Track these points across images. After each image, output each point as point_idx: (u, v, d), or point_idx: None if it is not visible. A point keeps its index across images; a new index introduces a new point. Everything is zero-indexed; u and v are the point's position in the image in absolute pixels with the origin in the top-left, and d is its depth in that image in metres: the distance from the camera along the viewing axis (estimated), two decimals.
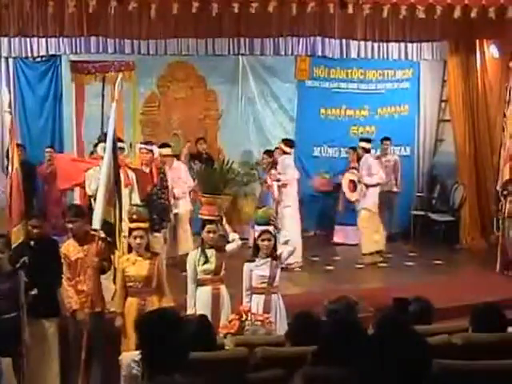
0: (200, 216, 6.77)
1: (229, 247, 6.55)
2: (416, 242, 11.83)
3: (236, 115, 12.24)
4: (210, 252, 6.42)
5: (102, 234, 6.43)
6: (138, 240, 6.24)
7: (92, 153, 9.19)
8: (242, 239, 6.76)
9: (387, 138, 11.96)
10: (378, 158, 11.77)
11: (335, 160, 12.36)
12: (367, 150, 10.91)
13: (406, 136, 12.69)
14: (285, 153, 10.50)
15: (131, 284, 6.24)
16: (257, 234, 6.41)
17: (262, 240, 6.31)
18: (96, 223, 6.33)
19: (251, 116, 12.29)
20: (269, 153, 11.13)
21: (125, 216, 6.67)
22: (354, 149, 11.28)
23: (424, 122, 12.85)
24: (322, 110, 12.49)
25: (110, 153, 6.60)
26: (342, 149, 12.56)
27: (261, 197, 11.63)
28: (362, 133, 12.61)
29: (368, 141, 11.08)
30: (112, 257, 6.55)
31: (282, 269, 6.55)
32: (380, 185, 10.72)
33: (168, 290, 6.39)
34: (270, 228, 6.35)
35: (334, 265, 10.39)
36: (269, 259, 6.33)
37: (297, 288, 8.84)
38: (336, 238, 11.80)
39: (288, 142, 10.70)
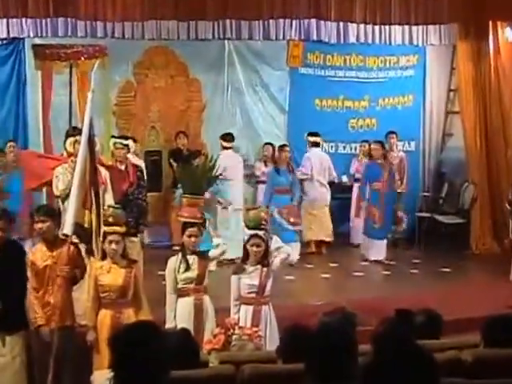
0: (180, 219, 6.75)
1: (213, 253, 6.54)
2: (421, 247, 11.85)
3: (221, 106, 12.23)
4: (192, 258, 6.41)
5: (75, 239, 6.41)
6: (113, 245, 6.21)
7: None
8: None
9: (393, 132, 11.99)
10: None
11: (332, 156, 12.27)
12: (315, 144, 11.40)
13: (411, 129, 12.76)
14: (225, 148, 10.77)
15: (105, 294, 6.21)
16: (246, 239, 6.41)
17: (252, 245, 6.30)
18: (67, 227, 6.28)
19: (238, 107, 12.31)
20: (271, 145, 11.71)
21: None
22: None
23: (430, 113, 12.94)
24: (317, 101, 12.53)
25: (86, 149, 6.55)
26: (339, 144, 12.71)
27: (254, 196, 11.92)
28: (361, 126, 12.78)
29: (315, 135, 11.41)
30: (87, 265, 6.55)
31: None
32: (305, 180, 11.33)
33: (146, 301, 6.37)
34: (261, 232, 6.34)
35: (331, 272, 10.44)
36: (259, 266, 6.32)
37: (289, 298, 8.82)
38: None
39: (225, 137, 11.01)
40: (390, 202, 10.99)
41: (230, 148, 10.97)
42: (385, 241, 11.02)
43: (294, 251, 9.96)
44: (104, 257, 6.32)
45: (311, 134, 11.47)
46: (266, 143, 11.94)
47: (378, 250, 10.95)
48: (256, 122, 12.40)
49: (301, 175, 11.29)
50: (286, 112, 12.46)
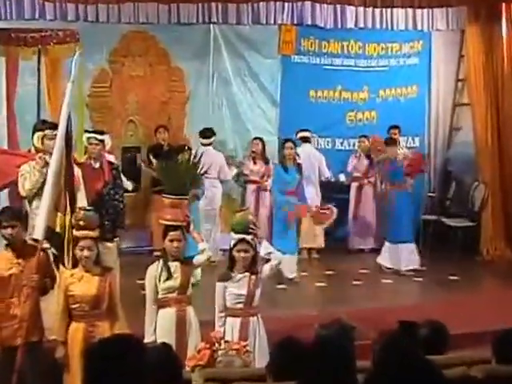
0: (161, 221, 6.74)
1: (197, 260, 6.53)
2: (426, 252, 11.50)
3: (206, 98, 12.23)
4: (174, 265, 6.37)
5: (45, 245, 6.39)
6: (85, 252, 6.17)
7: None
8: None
9: (395, 127, 12.00)
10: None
11: (328, 153, 12.36)
12: (303, 139, 11.55)
13: (415, 124, 12.83)
14: (204, 145, 10.91)
15: (76, 306, 6.14)
16: (232, 243, 6.41)
17: (238, 251, 6.29)
18: (39, 232, 6.28)
19: (225, 99, 12.33)
20: (260, 140, 11.70)
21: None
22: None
23: (436, 106, 13.01)
24: (312, 92, 12.57)
25: (62, 145, 6.57)
26: (336, 139, 12.76)
27: (242, 198, 11.97)
28: (360, 119, 12.82)
29: (304, 130, 11.57)
30: (57, 274, 6.53)
31: None
32: None
33: (122, 313, 6.30)
34: (248, 237, 6.34)
35: (327, 281, 10.45)
36: (247, 274, 6.32)
37: (281, 309, 8.84)
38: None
39: (205, 132, 11.20)
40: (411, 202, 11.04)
41: (209, 145, 11.07)
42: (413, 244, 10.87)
43: (291, 264, 9.99)
44: (75, 264, 6.30)
45: (301, 131, 11.64)
46: (255, 138, 11.92)
47: (408, 255, 10.81)
48: (244, 115, 12.39)
49: None
50: (277, 104, 12.47)
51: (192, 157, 7.67)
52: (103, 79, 11.79)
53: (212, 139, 11.23)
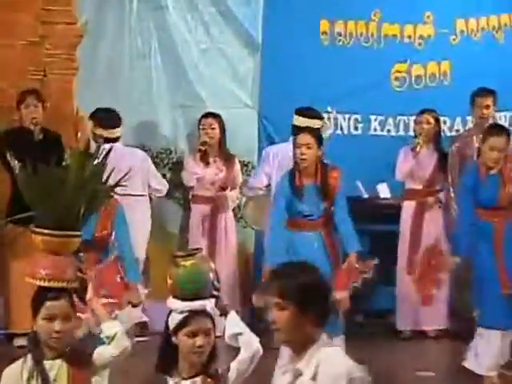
0: (31, 280, 6.37)
1: (100, 354, 6.07)
2: None
3: (119, 37, 12.62)
4: (56, 366, 6.00)
5: None
6: None
7: None
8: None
9: (487, 92, 12.01)
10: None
11: (357, 142, 12.90)
12: (299, 129, 10.97)
13: None
14: (107, 141, 11.20)
15: None
16: (176, 321, 5.97)
17: (189, 335, 5.85)
18: None
19: (156, 39, 12.69)
20: (216, 119, 12.22)
21: None
22: None
23: None
24: (324, 25, 12.99)
25: None
26: (371, 117, 13.17)
27: (182, 230, 12.60)
28: (418, 78, 13.19)
29: (304, 112, 11.43)
30: None
31: None
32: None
33: None
34: (208, 304, 5.95)
35: None
36: (198, 380, 5.95)
37: None
38: None
39: (101, 118, 11.72)
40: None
41: (116, 140, 11.39)
42: None
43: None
44: None
45: (299, 112, 11.47)
46: (207, 114, 12.18)
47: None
48: (194, 72, 12.67)
49: (247, 191, 12.12)
50: (257, 48, 12.87)
51: (90, 154, 7.33)
52: None
53: (119, 130, 11.53)
